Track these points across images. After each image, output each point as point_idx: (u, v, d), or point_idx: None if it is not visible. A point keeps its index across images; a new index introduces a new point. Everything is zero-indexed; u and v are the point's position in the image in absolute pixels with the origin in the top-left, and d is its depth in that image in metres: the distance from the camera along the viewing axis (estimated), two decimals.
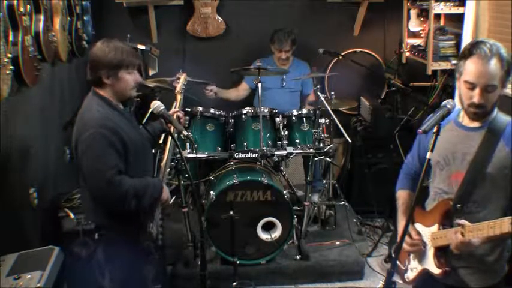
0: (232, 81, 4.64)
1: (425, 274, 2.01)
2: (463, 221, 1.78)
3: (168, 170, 2.75)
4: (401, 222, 2.11)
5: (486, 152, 1.85)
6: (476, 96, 1.80)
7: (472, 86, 1.80)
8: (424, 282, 2.05)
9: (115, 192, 2.17)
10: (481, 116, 1.87)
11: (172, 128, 2.45)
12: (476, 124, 1.91)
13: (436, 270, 1.94)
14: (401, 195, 2.22)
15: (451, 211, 1.90)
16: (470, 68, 1.80)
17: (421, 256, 2.03)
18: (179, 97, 2.90)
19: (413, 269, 2.07)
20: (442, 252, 1.93)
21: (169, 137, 2.63)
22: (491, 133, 1.86)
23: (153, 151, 2.62)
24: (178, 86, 2.95)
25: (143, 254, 2.41)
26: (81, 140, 2.17)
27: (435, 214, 1.96)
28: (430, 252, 1.97)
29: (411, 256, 2.08)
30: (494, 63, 1.77)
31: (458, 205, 1.89)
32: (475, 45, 1.82)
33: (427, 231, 1.99)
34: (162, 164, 2.61)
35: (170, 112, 2.60)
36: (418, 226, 2.04)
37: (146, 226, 2.39)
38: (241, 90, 4.41)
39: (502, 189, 1.87)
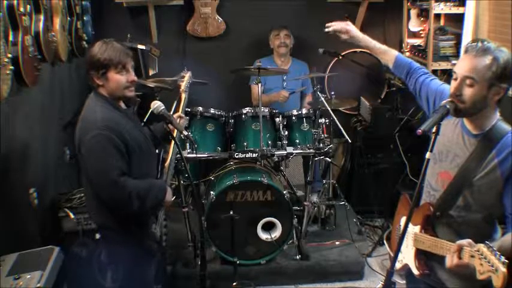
0: (232, 81, 4.65)
1: (409, 268, 2.03)
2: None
3: (172, 171, 2.70)
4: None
5: (476, 162, 1.80)
6: (454, 85, 1.78)
7: (455, 77, 1.79)
8: (410, 274, 2.06)
9: (119, 194, 2.16)
10: (459, 112, 1.79)
11: (173, 129, 2.44)
12: (475, 131, 1.84)
13: (415, 271, 1.96)
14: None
15: (431, 217, 1.92)
16: (458, 61, 1.82)
17: (403, 251, 2.04)
18: (183, 96, 2.84)
19: (400, 260, 2.08)
20: (422, 255, 1.94)
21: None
22: (485, 143, 1.80)
23: (157, 151, 2.59)
24: (183, 85, 2.89)
25: (146, 255, 2.39)
26: (84, 141, 2.15)
27: (419, 214, 1.97)
28: (412, 251, 1.98)
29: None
30: (482, 60, 1.72)
31: (438, 213, 1.90)
32: (471, 42, 1.81)
33: (412, 229, 1.99)
34: (165, 165, 2.58)
35: (175, 116, 2.59)
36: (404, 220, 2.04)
37: (149, 227, 2.38)
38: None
39: (485, 201, 1.82)
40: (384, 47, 2.30)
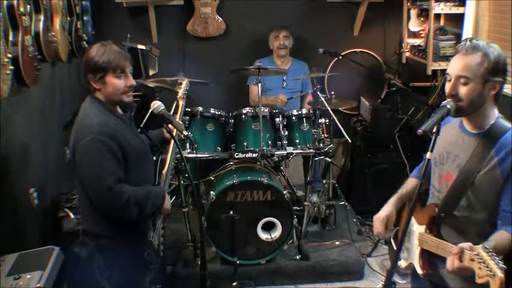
0: (232, 81, 4.65)
1: (414, 267, 2.04)
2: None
3: (170, 177, 2.67)
4: (390, 201, 2.11)
5: (477, 161, 1.80)
6: (449, 85, 1.79)
7: (449, 78, 1.81)
8: (415, 272, 2.06)
9: (115, 200, 2.12)
10: (459, 111, 1.80)
11: (174, 129, 2.43)
12: (475, 130, 1.85)
13: (419, 270, 1.97)
14: (408, 181, 2.20)
15: (435, 218, 1.92)
16: (450, 62, 1.84)
17: (409, 251, 2.05)
18: (181, 102, 2.82)
19: (406, 259, 2.09)
20: (427, 254, 1.94)
21: (171, 142, 2.59)
22: (485, 141, 1.81)
23: (154, 158, 2.57)
24: (180, 92, 2.86)
25: (143, 263, 2.34)
26: (79, 146, 2.11)
27: (425, 215, 1.97)
28: (417, 250, 1.98)
29: (404, 247, 2.08)
30: (473, 58, 1.75)
31: (442, 214, 1.90)
32: (461, 42, 1.83)
33: (417, 229, 2.00)
34: (163, 172, 2.54)
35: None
36: (414, 221, 2.04)
37: (147, 235, 2.34)
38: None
39: (487, 200, 1.82)
40: (405, 191, 2.17)
